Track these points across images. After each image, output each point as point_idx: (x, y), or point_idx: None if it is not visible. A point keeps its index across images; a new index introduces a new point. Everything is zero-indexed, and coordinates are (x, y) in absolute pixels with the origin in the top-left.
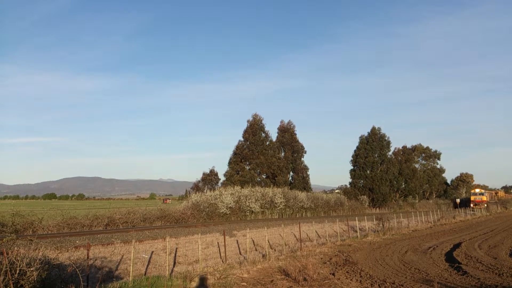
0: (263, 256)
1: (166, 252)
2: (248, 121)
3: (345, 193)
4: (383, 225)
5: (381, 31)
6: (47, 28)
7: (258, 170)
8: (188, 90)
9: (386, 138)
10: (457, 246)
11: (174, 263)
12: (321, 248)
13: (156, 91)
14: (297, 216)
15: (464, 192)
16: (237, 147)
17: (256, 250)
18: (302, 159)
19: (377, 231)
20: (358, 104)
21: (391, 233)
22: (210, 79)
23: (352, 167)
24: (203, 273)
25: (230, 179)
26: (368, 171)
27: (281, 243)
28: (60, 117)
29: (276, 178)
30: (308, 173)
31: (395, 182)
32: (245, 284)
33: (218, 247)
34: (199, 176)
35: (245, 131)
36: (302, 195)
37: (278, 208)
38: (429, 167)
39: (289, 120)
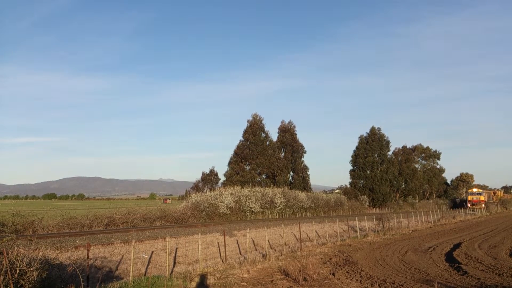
0: (263, 256)
1: (166, 252)
2: (248, 121)
3: (345, 193)
4: (383, 225)
5: (381, 31)
6: (47, 28)
7: (258, 170)
8: (188, 90)
9: (386, 138)
10: (457, 246)
11: (174, 263)
12: (321, 248)
13: (156, 91)
14: (297, 216)
15: (464, 192)
16: (237, 147)
17: (256, 250)
18: (302, 159)
19: (377, 231)
20: (358, 104)
21: (391, 233)
22: (210, 79)
23: (352, 167)
24: (203, 273)
25: (230, 179)
26: (368, 171)
27: (281, 243)
28: (60, 117)
29: (276, 178)
30: (308, 173)
31: (395, 182)
32: (245, 284)
33: (218, 247)
34: (199, 176)
35: (245, 131)
36: (302, 195)
37: (278, 208)
38: (429, 167)
39: (290, 120)
